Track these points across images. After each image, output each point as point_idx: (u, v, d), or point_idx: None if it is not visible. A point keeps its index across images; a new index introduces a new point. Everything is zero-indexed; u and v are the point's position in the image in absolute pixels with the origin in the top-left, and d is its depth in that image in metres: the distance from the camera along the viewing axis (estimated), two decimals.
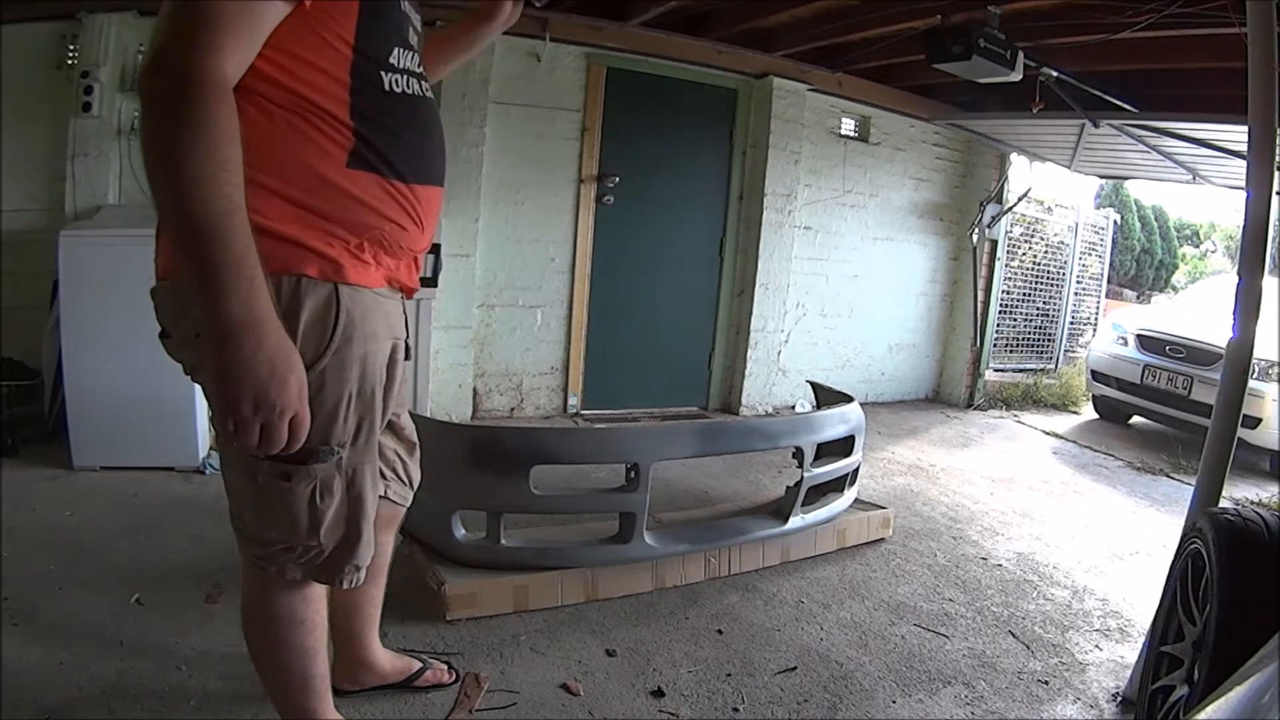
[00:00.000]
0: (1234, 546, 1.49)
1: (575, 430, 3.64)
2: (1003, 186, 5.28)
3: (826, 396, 3.09)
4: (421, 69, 1.18)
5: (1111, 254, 7.78)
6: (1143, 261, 12.71)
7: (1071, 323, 6.56)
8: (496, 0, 1.39)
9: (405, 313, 1.25)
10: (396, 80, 1.11)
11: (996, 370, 5.81)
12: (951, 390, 5.54)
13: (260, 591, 1.22)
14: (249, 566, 1.21)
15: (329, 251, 1.05)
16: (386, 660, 1.68)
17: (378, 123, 1.08)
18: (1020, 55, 3.26)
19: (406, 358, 1.26)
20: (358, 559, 1.19)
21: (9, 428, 2.87)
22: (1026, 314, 6.14)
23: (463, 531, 2.12)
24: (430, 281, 3.19)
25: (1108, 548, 3.06)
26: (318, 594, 1.25)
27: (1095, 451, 4.66)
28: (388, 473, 1.42)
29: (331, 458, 1.11)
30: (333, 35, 1.02)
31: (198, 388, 1.15)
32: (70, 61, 3.18)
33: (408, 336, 1.26)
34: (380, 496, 1.27)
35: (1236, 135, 3.41)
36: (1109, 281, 7.83)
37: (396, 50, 1.12)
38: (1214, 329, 4.45)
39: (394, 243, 1.13)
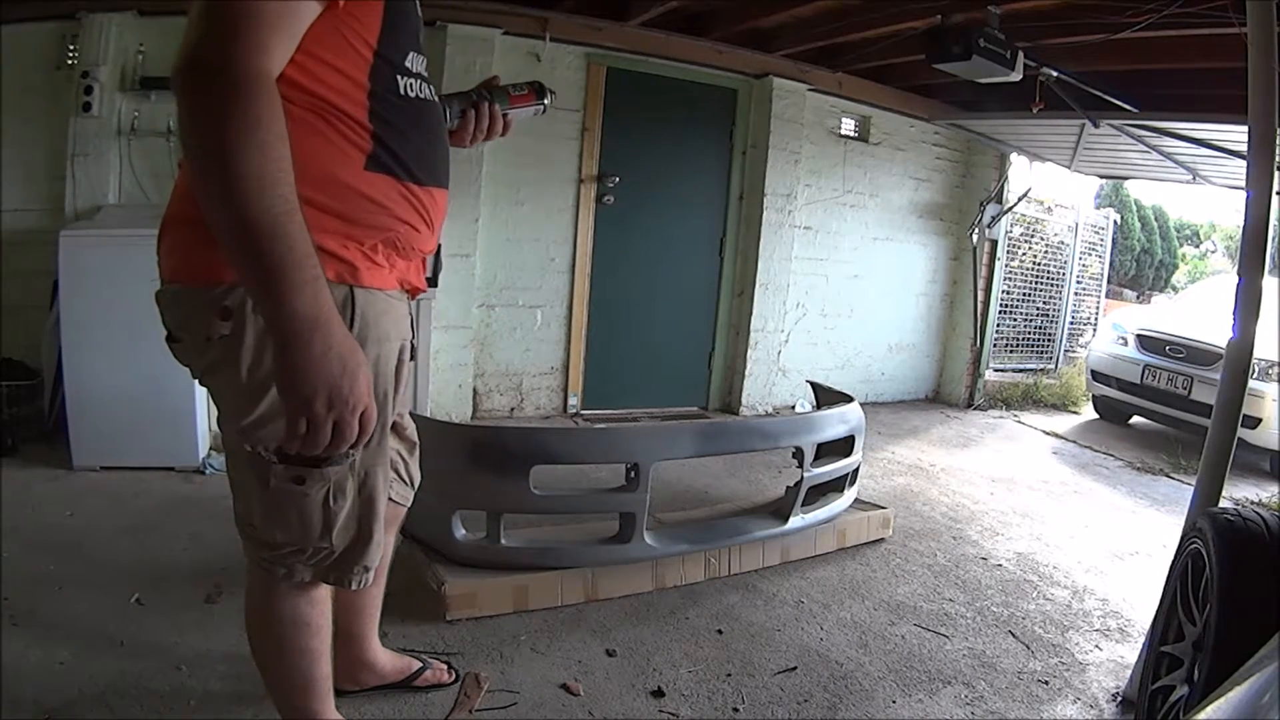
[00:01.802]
0: (1234, 546, 1.49)
1: (575, 430, 3.64)
2: (1003, 186, 5.28)
3: (826, 396, 3.10)
4: (428, 72, 1.19)
5: (1111, 254, 7.78)
6: (1143, 261, 12.71)
7: (1071, 323, 6.56)
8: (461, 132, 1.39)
9: (412, 313, 1.25)
10: (411, 85, 1.11)
11: (996, 370, 5.81)
12: (951, 390, 5.54)
13: (266, 593, 1.22)
14: (255, 568, 1.21)
15: (345, 254, 1.05)
16: (386, 660, 1.68)
17: (394, 126, 1.08)
18: (1020, 55, 3.26)
19: (412, 358, 1.26)
20: (367, 560, 1.19)
21: (9, 428, 2.87)
22: (1026, 314, 6.14)
23: (463, 531, 2.12)
24: (430, 281, 3.19)
25: (1108, 548, 3.06)
26: (323, 596, 1.25)
27: (1095, 451, 4.66)
28: (390, 473, 1.42)
29: (345, 460, 1.11)
30: (356, 38, 1.02)
31: (198, 388, 1.15)
32: (70, 61, 3.18)
33: (413, 337, 1.26)
34: None
35: (1236, 135, 3.41)
36: (1109, 281, 7.83)
37: (412, 54, 1.12)
38: (1214, 329, 4.45)
39: (407, 244, 1.14)
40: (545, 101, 1.42)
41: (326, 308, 0.90)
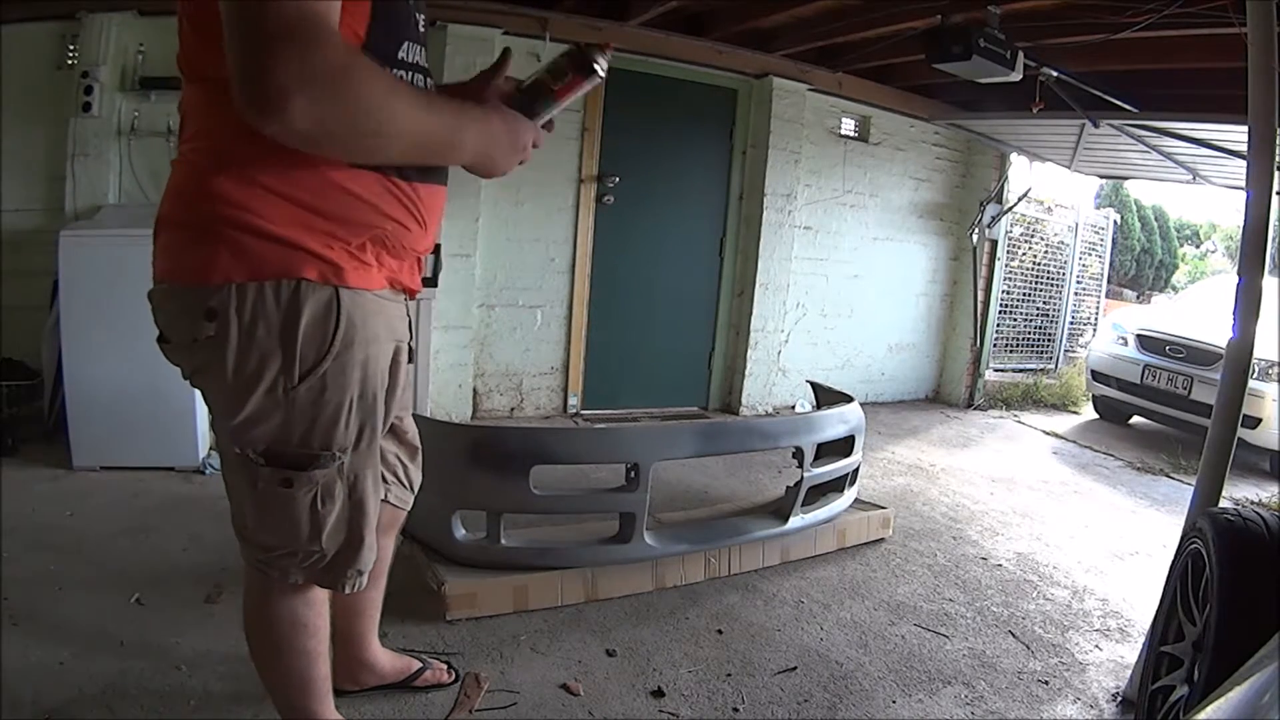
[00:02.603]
0: (1234, 546, 1.49)
1: (575, 430, 3.64)
2: (1003, 186, 5.28)
3: (826, 396, 3.10)
4: (428, 64, 1.18)
5: (1111, 254, 7.78)
6: (1143, 261, 12.71)
7: (1071, 323, 6.56)
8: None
9: (409, 314, 1.25)
10: (402, 76, 1.09)
11: (996, 370, 5.81)
12: (951, 390, 5.54)
13: (263, 594, 1.22)
14: (251, 569, 1.21)
15: (329, 254, 1.04)
16: (386, 660, 1.68)
17: None
18: (1020, 55, 3.26)
19: (410, 360, 1.25)
20: (360, 564, 1.19)
21: (9, 428, 2.87)
22: (1026, 314, 6.14)
23: (463, 531, 2.12)
24: (430, 281, 3.19)
25: (1108, 548, 3.06)
26: (320, 597, 1.25)
27: (1095, 451, 4.66)
28: (388, 476, 1.41)
29: (333, 463, 1.10)
30: (345, 29, 0.98)
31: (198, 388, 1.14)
32: (70, 61, 3.18)
33: (411, 339, 1.25)
34: (381, 500, 1.26)
35: (1236, 135, 3.41)
36: (1109, 281, 7.83)
37: (406, 44, 1.10)
38: (1214, 329, 4.45)
39: (396, 243, 1.12)
40: (598, 71, 1.10)
41: (471, 120, 1.04)
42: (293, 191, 1.01)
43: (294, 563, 1.16)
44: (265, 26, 0.80)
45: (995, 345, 5.71)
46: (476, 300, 3.90)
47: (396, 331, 1.17)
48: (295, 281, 1.02)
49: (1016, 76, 3.31)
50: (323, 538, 1.13)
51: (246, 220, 1.00)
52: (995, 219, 5.29)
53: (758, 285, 4.50)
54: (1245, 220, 1.89)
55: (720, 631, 2.12)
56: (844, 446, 2.68)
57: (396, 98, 0.92)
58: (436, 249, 3.18)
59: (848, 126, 4.88)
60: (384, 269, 1.12)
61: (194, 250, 1.02)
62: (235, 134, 0.97)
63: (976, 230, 5.27)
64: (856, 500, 2.85)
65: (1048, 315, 6.32)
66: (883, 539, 2.84)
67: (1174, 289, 11.99)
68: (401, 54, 1.09)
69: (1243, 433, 2.58)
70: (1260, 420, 4.27)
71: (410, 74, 1.11)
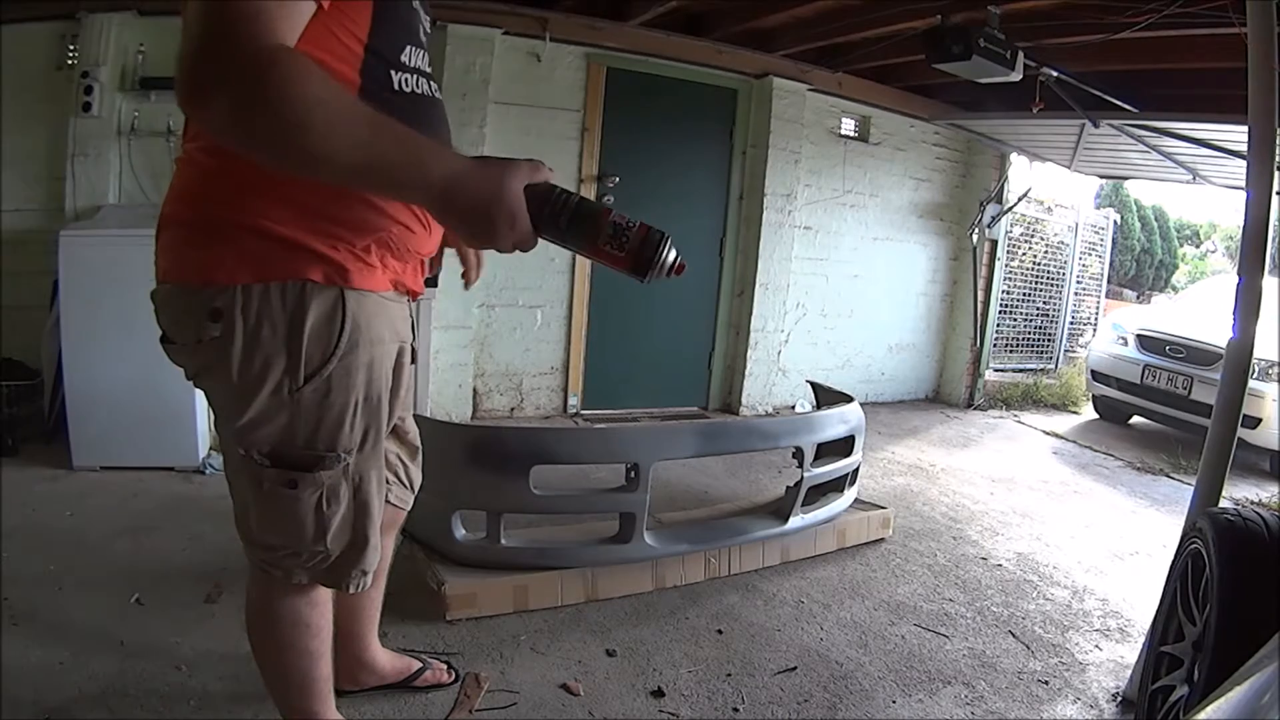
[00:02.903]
0: (1234, 546, 1.49)
1: (575, 430, 3.64)
2: (1003, 186, 5.28)
3: (826, 396, 3.10)
4: (431, 68, 1.18)
5: (1111, 254, 7.79)
6: (1143, 261, 12.71)
7: (1071, 323, 6.56)
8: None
9: (412, 316, 1.25)
10: (406, 80, 1.09)
11: (996, 370, 5.81)
12: (951, 390, 5.54)
13: (265, 595, 1.22)
14: (254, 570, 1.21)
15: (334, 256, 1.04)
16: (386, 660, 1.68)
17: None
18: (1020, 55, 3.26)
19: (412, 361, 1.26)
20: (364, 564, 1.19)
21: (9, 428, 2.87)
22: (1026, 314, 6.14)
23: (463, 531, 2.12)
24: (430, 282, 3.18)
25: (1108, 548, 3.06)
26: (323, 598, 1.25)
27: (1095, 451, 4.66)
28: (389, 476, 1.41)
29: (338, 464, 1.11)
30: (346, 34, 1.00)
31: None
32: (70, 61, 3.18)
33: (414, 340, 1.25)
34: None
35: (1236, 135, 3.41)
36: (1109, 281, 7.83)
37: (408, 48, 1.10)
38: (1214, 329, 4.45)
39: (401, 245, 1.12)
40: (648, 271, 0.96)
41: (454, 163, 0.86)
42: (298, 193, 1.01)
43: (298, 563, 1.16)
44: (202, 23, 0.80)
45: (995, 345, 5.71)
46: (476, 300, 3.90)
47: (400, 333, 1.18)
48: (301, 283, 1.02)
49: (1016, 76, 3.31)
50: (328, 538, 1.13)
51: (252, 221, 1.00)
52: (995, 219, 5.29)
53: (758, 285, 4.50)
54: (1245, 220, 1.89)
55: (720, 631, 2.12)
56: (844, 446, 2.68)
57: (332, 108, 0.81)
58: (439, 249, 3.18)
59: (848, 126, 4.87)
60: (388, 271, 1.12)
61: (198, 250, 1.02)
62: None
63: (976, 230, 5.27)
64: (856, 500, 2.85)
65: (1048, 315, 6.32)
66: (883, 539, 2.84)
67: (1174, 289, 11.99)
68: (404, 58, 1.09)
69: (1243, 433, 2.58)
70: (1260, 420, 4.27)
71: (414, 78, 1.11)
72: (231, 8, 0.80)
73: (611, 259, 0.93)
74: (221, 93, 0.79)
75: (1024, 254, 6.10)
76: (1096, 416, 5.61)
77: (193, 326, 1.03)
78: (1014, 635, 2.26)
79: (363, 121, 0.83)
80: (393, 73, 1.07)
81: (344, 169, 0.84)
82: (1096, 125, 3.93)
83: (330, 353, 1.06)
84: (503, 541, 2.11)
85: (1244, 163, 2.00)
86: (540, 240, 0.90)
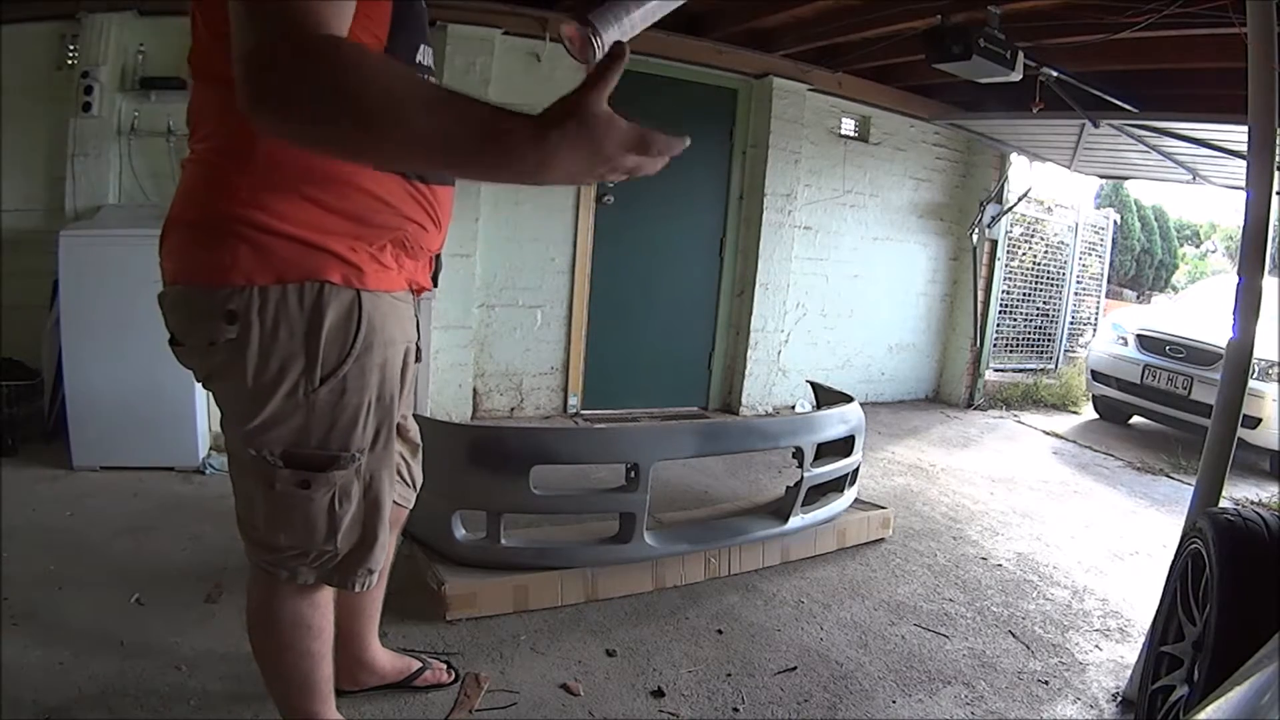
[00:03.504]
0: (1234, 546, 1.49)
1: (575, 430, 3.64)
2: (1003, 186, 5.29)
3: (826, 396, 3.09)
4: (433, 66, 1.18)
5: (1111, 254, 7.78)
6: (1143, 261, 12.71)
7: (1071, 323, 6.56)
8: None
9: (417, 315, 1.25)
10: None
11: (996, 370, 5.81)
12: (951, 390, 5.54)
13: (268, 596, 1.21)
14: (257, 570, 1.20)
15: (352, 257, 1.04)
16: (386, 660, 1.68)
17: None
18: (1020, 55, 3.26)
19: (417, 360, 1.26)
20: (371, 563, 1.19)
21: (9, 428, 2.87)
22: (1026, 314, 6.14)
23: (463, 531, 2.12)
24: (431, 281, 3.20)
25: (1108, 548, 3.06)
26: (325, 599, 1.25)
27: (1095, 451, 4.66)
28: (395, 476, 1.41)
29: (351, 464, 1.11)
30: (367, 34, 0.99)
31: (198, 388, 1.15)
32: (70, 61, 3.18)
33: (418, 339, 1.25)
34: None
35: (1236, 135, 3.41)
36: (1109, 281, 7.83)
37: (421, 48, 1.10)
38: (1214, 329, 4.45)
39: (415, 244, 1.13)
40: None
41: (508, 120, 0.74)
42: (316, 193, 1.00)
43: (304, 563, 1.15)
44: (259, 22, 0.75)
45: (995, 345, 5.71)
46: (476, 300, 3.90)
47: (408, 332, 1.19)
48: (320, 284, 1.02)
49: (1016, 76, 3.31)
50: (338, 537, 1.13)
51: (268, 221, 1.00)
52: (995, 219, 5.29)
53: (758, 285, 4.50)
54: (1245, 220, 1.89)
55: (720, 631, 2.12)
56: (844, 446, 2.68)
57: (387, 87, 0.72)
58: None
59: (848, 126, 4.88)
60: (403, 270, 1.13)
61: (211, 251, 1.01)
62: (256, 135, 0.96)
63: (976, 230, 5.27)
64: (856, 500, 2.85)
65: (1048, 315, 6.32)
66: (883, 539, 2.84)
67: (1174, 289, 11.99)
68: (419, 57, 1.10)
69: (1243, 433, 2.58)
70: (1260, 420, 4.27)
71: (426, 76, 1.12)
72: (290, 6, 0.75)
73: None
74: (298, 89, 0.72)
75: (1024, 254, 6.10)
76: (1096, 416, 5.61)
77: (206, 329, 1.03)
78: (1014, 635, 2.26)
79: (436, 98, 0.74)
80: None
81: (416, 149, 0.74)
82: (1096, 125, 3.93)
83: (346, 354, 1.06)
84: (503, 541, 2.11)
85: (1244, 163, 2.00)
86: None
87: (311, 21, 0.75)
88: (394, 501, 1.42)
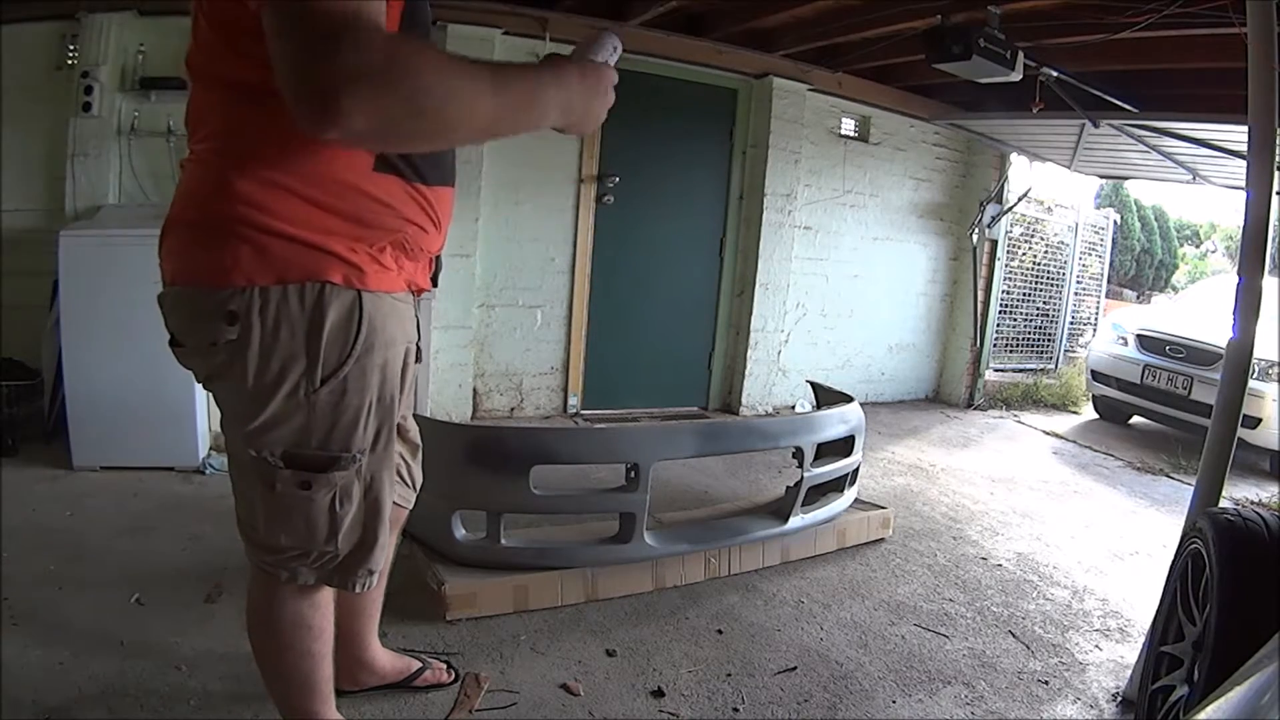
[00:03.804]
0: (1234, 546, 1.49)
1: (575, 430, 3.64)
2: (1003, 186, 5.28)
3: (826, 396, 3.09)
4: None
5: (1111, 254, 7.78)
6: (1143, 261, 12.72)
7: (1071, 323, 6.56)
8: None
9: (417, 315, 1.25)
10: None
11: (996, 370, 5.81)
12: (951, 390, 5.54)
13: (268, 596, 1.21)
14: (257, 571, 1.20)
15: (353, 258, 1.05)
16: (386, 660, 1.68)
17: None
18: (1020, 55, 3.26)
19: (417, 360, 1.26)
20: (371, 563, 1.19)
21: (9, 428, 2.87)
22: (1026, 314, 6.14)
23: (463, 531, 2.12)
24: (431, 281, 3.20)
25: (1108, 548, 3.06)
26: (325, 599, 1.24)
27: (1095, 451, 4.66)
28: (395, 476, 1.41)
29: (352, 465, 1.11)
30: None
31: (198, 388, 1.15)
32: (70, 61, 3.18)
33: (419, 339, 1.26)
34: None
35: (1236, 135, 3.41)
36: (1109, 281, 7.83)
37: None
38: (1214, 329, 4.45)
39: (415, 245, 1.13)
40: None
41: (546, 83, 0.96)
42: (317, 194, 1.00)
43: (305, 563, 1.15)
44: (311, 30, 0.75)
45: (995, 345, 5.71)
46: (476, 300, 3.90)
47: (408, 333, 1.19)
48: (321, 284, 1.02)
49: (1016, 76, 3.31)
50: (339, 538, 1.13)
51: (269, 222, 0.99)
52: (995, 219, 5.29)
53: (758, 285, 4.50)
54: (1245, 220, 1.89)
55: (720, 631, 2.12)
56: (844, 446, 2.68)
57: (456, 76, 0.84)
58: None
59: (848, 126, 4.88)
60: (403, 271, 1.14)
61: (212, 252, 1.01)
62: (257, 135, 0.97)
63: (976, 230, 5.27)
64: (856, 500, 2.85)
65: (1048, 315, 6.32)
66: (883, 539, 2.84)
67: (1174, 289, 12.00)
68: None
69: (1243, 433, 2.58)
70: (1260, 420, 4.27)
71: None
72: (337, 7, 0.76)
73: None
74: (357, 95, 0.74)
75: (1024, 254, 6.10)
76: (1096, 416, 5.61)
77: (207, 329, 1.03)
78: (1014, 635, 2.26)
79: (485, 76, 0.88)
80: None
81: (484, 125, 0.90)
82: (1096, 125, 3.93)
83: (347, 355, 1.06)
84: (503, 541, 2.11)
85: (1244, 163, 2.00)
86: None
87: (380, 30, 0.80)
88: (394, 502, 1.43)
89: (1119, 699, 1.98)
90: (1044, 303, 6.26)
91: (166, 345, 1.11)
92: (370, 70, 0.75)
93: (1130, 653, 2.18)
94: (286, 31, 0.77)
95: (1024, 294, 6.09)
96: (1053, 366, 6.32)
